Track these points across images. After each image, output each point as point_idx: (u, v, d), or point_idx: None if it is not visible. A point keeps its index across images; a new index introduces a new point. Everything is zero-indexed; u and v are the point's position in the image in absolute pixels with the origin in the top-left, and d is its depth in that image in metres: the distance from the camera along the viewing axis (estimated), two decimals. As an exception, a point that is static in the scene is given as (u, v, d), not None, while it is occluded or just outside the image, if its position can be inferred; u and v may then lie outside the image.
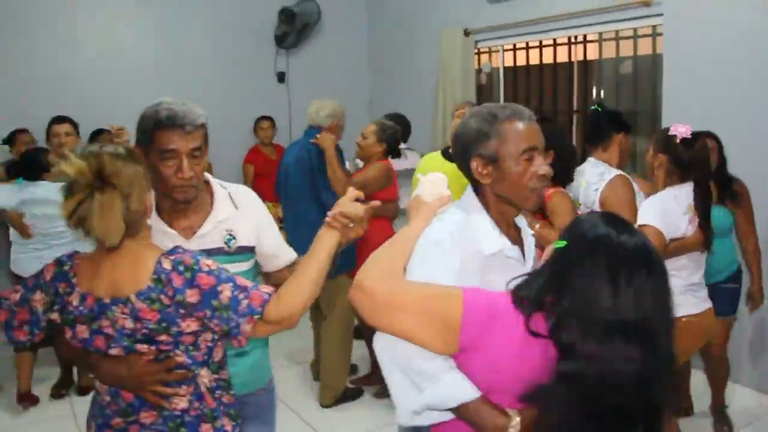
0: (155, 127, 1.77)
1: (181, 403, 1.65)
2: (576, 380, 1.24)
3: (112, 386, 1.66)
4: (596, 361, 1.23)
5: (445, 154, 3.54)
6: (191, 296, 1.56)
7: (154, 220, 1.78)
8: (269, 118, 6.08)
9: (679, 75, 4.12)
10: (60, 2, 5.57)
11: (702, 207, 2.74)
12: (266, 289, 1.63)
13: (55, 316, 1.67)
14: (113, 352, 1.61)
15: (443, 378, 1.38)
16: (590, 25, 4.77)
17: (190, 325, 1.60)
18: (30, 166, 3.94)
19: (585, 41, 5.15)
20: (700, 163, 2.76)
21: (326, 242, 1.70)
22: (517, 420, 1.36)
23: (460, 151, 1.68)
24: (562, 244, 1.35)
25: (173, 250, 1.62)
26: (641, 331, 1.23)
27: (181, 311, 1.57)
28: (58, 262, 1.68)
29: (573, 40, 5.21)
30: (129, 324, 1.58)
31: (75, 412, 3.93)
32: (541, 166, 1.63)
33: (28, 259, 3.87)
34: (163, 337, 1.59)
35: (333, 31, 6.76)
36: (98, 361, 1.64)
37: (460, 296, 1.36)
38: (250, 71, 6.36)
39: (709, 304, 2.82)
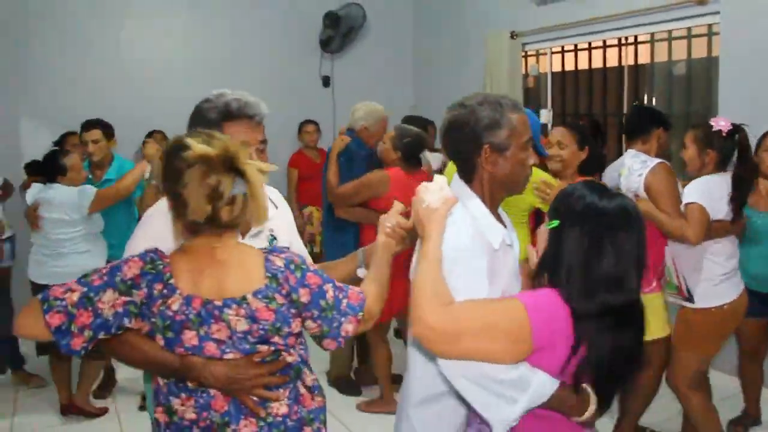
0: (224, 118, 1.75)
1: (282, 408, 1.57)
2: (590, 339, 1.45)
3: (211, 388, 1.51)
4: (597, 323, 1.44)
5: None
6: (303, 296, 1.54)
7: None
8: (314, 122, 6.09)
9: (736, 77, 3.97)
10: (113, 8, 5.71)
11: (740, 197, 2.91)
12: (357, 289, 1.64)
13: (133, 322, 1.47)
14: (229, 356, 1.50)
15: (532, 381, 1.44)
16: (642, 25, 4.63)
17: (297, 326, 1.57)
18: (46, 167, 3.84)
19: (636, 42, 5.01)
20: (743, 154, 2.94)
21: (387, 253, 1.78)
22: (590, 391, 1.49)
23: (469, 138, 1.69)
24: (556, 223, 1.52)
25: (276, 249, 1.61)
26: (623, 282, 1.46)
27: (293, 311, 1.54)
28: (147, 260, 1.50)
29: (623, 41, 5.08)
30: (243, 326, 1.49)
31: (118, 415, 3.97)
32: (531, 156, 1.75)
33: (34, 262, 3.77)
34: (276, 339, 1.54)
35: (378, 34, 6.75)
36: (194, 364, 1.48)
37: (519, 303, 1.43)
38: (295, 75, 6.39)
39: (743, 285, 2.98)
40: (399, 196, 3.67)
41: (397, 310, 3.50)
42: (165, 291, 1.47)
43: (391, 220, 1.80)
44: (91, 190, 3.71)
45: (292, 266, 1.56)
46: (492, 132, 1.67)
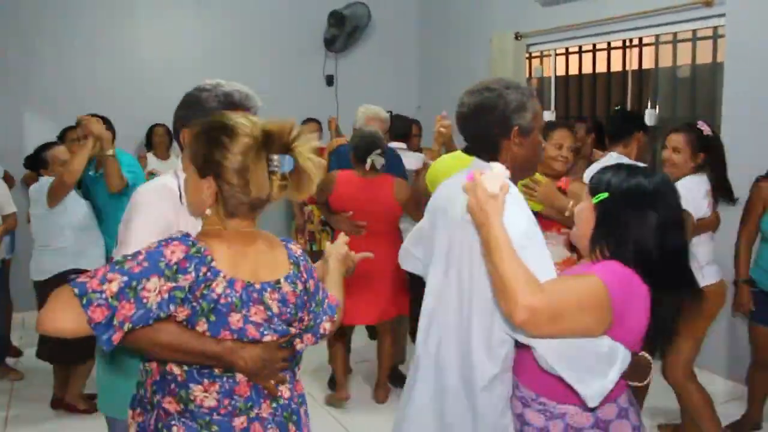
0: (225, 107, 1.77)
1: (286, 392, 1.61)
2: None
3: (241, 372, 1.50)
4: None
5: (467, 148, 3.36)
6: (312, 286, 1.62)
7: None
8: (316, 121, 6.06)
9: (741, 80, 3.94)
10: (121, 7, 5.73)
11: (718, 195, 3.13)
12: (329, 292, 1.74)
13: (177, 309, 1.42)
14: (267, 338, 1.52)
15: (619, 353, 1.55)
16: (647, 27, 4.60)
17: (305, 314, 1.63)
18: (34, 161, 3.81)
19: (641, 44, 4.98)
20: (719, 155, 3.15)
21: (340, 276, 1.87)
22: (648, 357, 1.66)
23: (498, 121, 1.75)
24: (605, 195, 1.64)
25: (290, 240, 1.67)
26: (681, 251, 1.64)
27: (305, 298, 1.60)
28: (189, 243, 1.45)
29: (628, 43, 5.06)
30: (275, 309, 1.53)
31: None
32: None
33: (32, 257, 3.75)
34: (295, 323, 1.59)
35: (382, 34, 6.74)
36: (232, 349, 1.47)
37: (597, 279, 1.53)
38: (299, 74, 6.39)
39: (721, 275, 3.16)
40: (344, 195, 3.75)
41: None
42: (209, 274, 1.43)
43: (340, 250, 1.89)
44: (47, 183, 3.62)
45: (308, 260, 1.64)
46: (520, 114, 1.75)
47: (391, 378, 4.19)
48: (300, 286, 1.58)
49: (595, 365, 1.54)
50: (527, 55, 5.64)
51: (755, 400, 3.48)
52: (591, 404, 1.57)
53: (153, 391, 1.55)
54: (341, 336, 3.96)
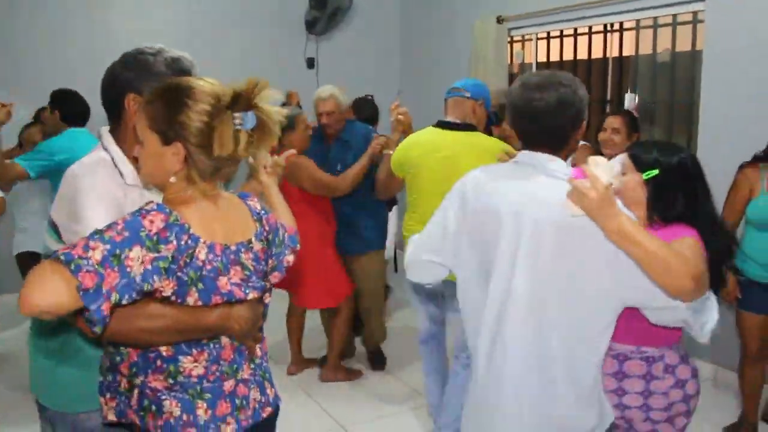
0: (174, 74, 1.68)
1: (258, 351, 1.65)
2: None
3: (233, 334, 1.51)
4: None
5: (449, 126, 3.11)
6: (270, 235, 1.64)
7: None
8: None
9: (720, 66, 3.97)
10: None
11: None
12: (282, 220, 1.77)
13: (161, 281, 1.37)
14: (250, 296, 1.53)
15: (713, 297, 1.81)
16: (627, 12, 4.62)
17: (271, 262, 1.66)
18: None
19: (621, 29, 5.01)
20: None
21: (276, 188, 1.97)
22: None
23: (575, 116, 1.77)
24: (655, 172, 1.96)
25: (246, 194, 1.67)
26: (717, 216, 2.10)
27: (269, 251, 1.63)
28: (167, 212, 1.39)
29: (609, 28, 5.08)
30: (251, 267, 1.55)
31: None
32: None
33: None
34: (265, 278, 1.63)
35: (364, 17, 6.69)
36: (226, 314, 1.47)
37: (693, 240, 1.92)
38: (280, 56, 6.32)
39: None
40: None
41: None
42: (189, 242, 1.40)
43: (267, 161, 1.96)
44: None
45: (264, 210, 1.66)
46: (585, 109, 1.81)
47: (374, 360, 4.27)
48: (266, 241, 1.61)
49: (707, 310, 1.76)
50: (509, 40, 5.63)
51: (749, 399, 3.37)
52: (705, 340, 1.78)
53: (132, 374, 1.50)
54: (295, 314, 4.19)
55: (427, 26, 6.53)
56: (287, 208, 1.90)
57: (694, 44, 4.47)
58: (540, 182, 1.74)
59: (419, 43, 6.66)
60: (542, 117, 1.75)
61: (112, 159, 1.67)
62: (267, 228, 1.62)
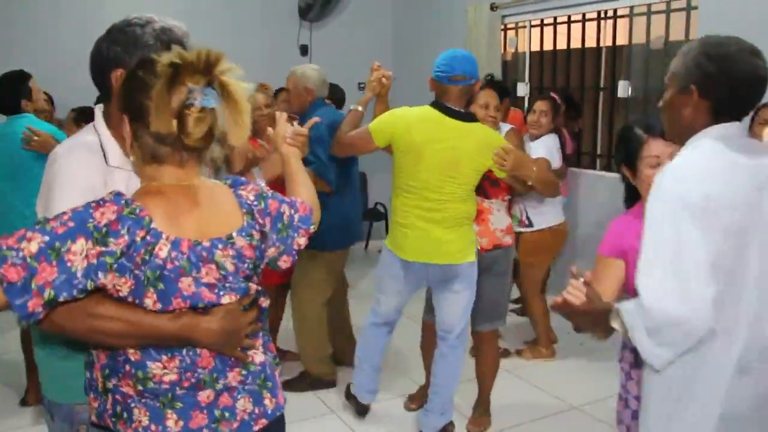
0: (166, 46, 1.58)
1: (258, 356, 1.47)
2: None
3: (210, 348, 1.36)
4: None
5: (452, 114, 2.87)
6: (267, 225, 1.47)
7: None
8: (289, 90, 6.01)
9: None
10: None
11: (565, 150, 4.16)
12: (299, 199, 1.63)
13: (108, 277, 1.25)
14: (224, 300, 1.37)
15: None
16: (621, -2, 4.62)
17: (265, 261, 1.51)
18: None
19: (615, 16, 5.00)
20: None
21: (298, 161, 1.82)
22: None
23: None
24: None
25: (240, 181, 1.50)
26: None
27: (263, 246, 1.46)
28: (122, 203, 1.27)
29: (603, 15, 5.07)
30: (230, 266, 1.37)
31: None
32: None
33: None
34: (254, 279, 1.44)
35: (358, 4, 6.67)
36: (191, 325, 1.33)
37: None
38: (273, 43, 6.29)
39: (563, 217, 4.07)
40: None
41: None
42: (148, 237, 1.26)
43: (286, 131, 1.86)
44: None
45: (260, 198, 1.48)
46: None
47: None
48: (257, 236, 1.43)
49: None
50: (502, 27, 5.62)
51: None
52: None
53: (105, 376, 1.39)
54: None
55: (420, 13, 6.51)
56: (308, 183, 1.74)
57: (687, 34, 4.47)
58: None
59: (412, 30, 6.64)
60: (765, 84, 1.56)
61: (100, 140, 1.59)
62: (261, 220, 1.45)
